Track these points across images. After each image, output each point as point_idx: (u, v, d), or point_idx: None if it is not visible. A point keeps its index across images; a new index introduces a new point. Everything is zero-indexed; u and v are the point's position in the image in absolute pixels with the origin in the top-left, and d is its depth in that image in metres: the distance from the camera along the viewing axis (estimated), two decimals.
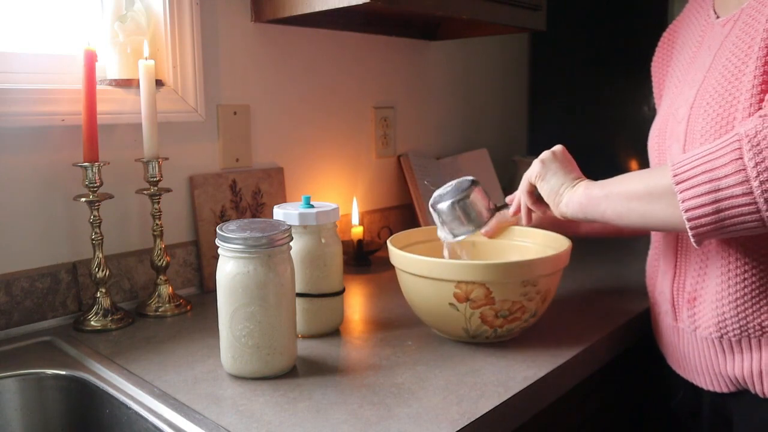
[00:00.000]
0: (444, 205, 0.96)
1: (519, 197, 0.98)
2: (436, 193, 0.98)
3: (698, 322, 0.89)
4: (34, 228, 1.00)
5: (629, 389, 1.14)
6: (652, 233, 1.03)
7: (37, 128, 0.99)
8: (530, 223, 0.99)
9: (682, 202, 0.73)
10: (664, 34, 1.08)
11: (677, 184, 0.73)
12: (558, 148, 0.94)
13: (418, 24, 1.55)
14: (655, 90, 1.10)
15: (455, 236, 0.97)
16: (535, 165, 0.92)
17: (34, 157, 1.00)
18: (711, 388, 0.91)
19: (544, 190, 0.91)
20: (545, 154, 0.92)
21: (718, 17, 0.92)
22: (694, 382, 0.94)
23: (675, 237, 0.93)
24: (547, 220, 1.05)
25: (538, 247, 1.04)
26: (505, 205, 1.01)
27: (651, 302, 1.05)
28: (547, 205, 0.94)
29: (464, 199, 0.95)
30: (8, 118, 0.94)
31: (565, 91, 1.94)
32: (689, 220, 0.73)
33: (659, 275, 0.99)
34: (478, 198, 0.96)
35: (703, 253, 0.88)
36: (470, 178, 0.98)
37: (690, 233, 0.74)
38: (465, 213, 0.95)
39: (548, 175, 0.90)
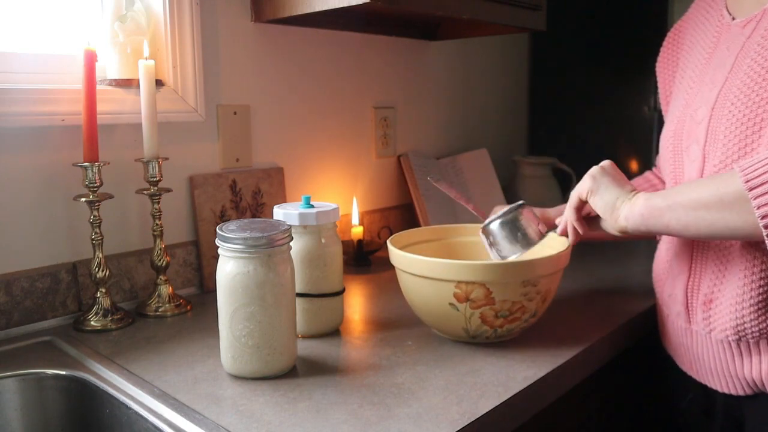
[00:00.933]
0: (494, 225, 0.96)
1: (566, 216, 0.94)
2: (487, 220, 0.98)
3: (714, 324, 0.88)
4: (34, 228, 1.00)
5: (629, 389, 1.14)
6: (664, 237, 1.02)
7: (37, 128, 0.99)
8: (577, 242, 0.95)
9: (758, 208, 0.70)
10: (669, 34, 1.07)
11: (750, 190, 0.70)
12: (606, 162, 0.90)
13: (418, 24, 1.55)
14: (660, 90, 1.09)
15: (503, 257, 0.96)
16: (586, 180, 0.89)
17: (34, 157, 1.00)
18: (726, 391, 0.90)
19: (598, 206, 0.88)
20: (594, 170, 0.89)
21: (733, 18, 0.91)
22: (708, 384, 0.93)
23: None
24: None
25: (538, 246, 1.03)
26: (555, 227, 0.99)
27: (658, 303, 1.04)
28: (592, 223, 0.91)
29: (513, 220, 0.95)
30: (8, 118, 0.94)
31: (565, 91, 1.94)
32: (767, 227, 0.70)
33: (670, 276, 0.97)
34: (526, 219, 0.96)
35: (723, 254, 0.86)
36: (520, 201, 0.98)
37: None
38: (512, 232, 0.94)
39: (601, 189, 0.87)
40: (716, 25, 0.94)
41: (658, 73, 1.09)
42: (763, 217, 0.70)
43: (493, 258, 0.97)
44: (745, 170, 0.72)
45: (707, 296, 0.89)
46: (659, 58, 1.09)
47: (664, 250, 1.01)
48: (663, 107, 1.09)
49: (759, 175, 0.70)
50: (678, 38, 1.05)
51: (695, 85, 0.93)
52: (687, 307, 0.93)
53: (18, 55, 1.00)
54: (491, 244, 0.97)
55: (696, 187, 0.78)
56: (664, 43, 1.08)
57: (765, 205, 0.69)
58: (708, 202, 0.75)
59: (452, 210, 1.59)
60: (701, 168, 0.88)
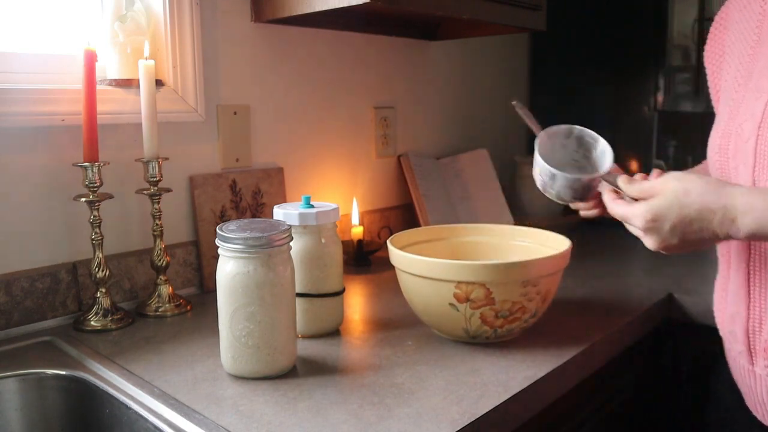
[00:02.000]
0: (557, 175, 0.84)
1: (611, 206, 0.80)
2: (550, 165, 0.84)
3: None
4: (34, 228, 1.00)
5: (629, 389, 1.14)
6: (720, 263, 0.89)
7: (37, 128, 0.99)
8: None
9: None
10: (716, 18, 0.93)
11: None
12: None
13: (418, 24, 1.55)
14: (710, 84, 0.95)
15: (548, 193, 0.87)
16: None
17: (34, 157, 1.00)
18: None
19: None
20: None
21: None
22: None
23: (745, 274, 0.80)
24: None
25: (538, 247, 1.04)
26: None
27: (721, 331, 0.91)
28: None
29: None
30: (8, 118, 0.94)
31: (565, 91, 1.94)
32: None
33: (729, 312, 0.86)
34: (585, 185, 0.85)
35: None
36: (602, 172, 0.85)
37: None
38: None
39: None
40: (759, 13, 0.80)
41: (706, 65, 0.95)
42: None
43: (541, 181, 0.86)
44: None
45: None
46: (706, 47, 0.94)
47: (721, 278, 0.90)
48: (714, 105, 0.94)
49: None
50: (724, 23, 0.90)
51: (740, 89, 0.81)
52: (749, 348, 0.82)
53: (18, 55, 1.00)
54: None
55: None
56: (711, 29, 0.93)
57: None
58: None
59: (452, 210, 1.59)
60: None
